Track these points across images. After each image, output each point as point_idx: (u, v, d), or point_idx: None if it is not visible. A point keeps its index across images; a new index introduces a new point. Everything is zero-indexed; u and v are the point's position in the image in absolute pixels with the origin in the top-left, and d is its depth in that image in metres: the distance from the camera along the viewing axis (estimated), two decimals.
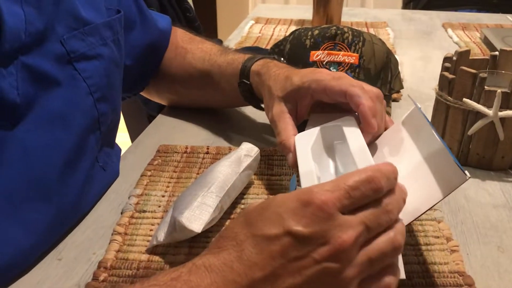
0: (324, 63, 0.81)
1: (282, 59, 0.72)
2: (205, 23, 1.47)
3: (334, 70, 0.80)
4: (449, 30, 1.27)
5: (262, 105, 0.68)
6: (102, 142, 0.58)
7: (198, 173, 0.63)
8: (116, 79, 0.61)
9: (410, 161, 0.47)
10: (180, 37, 0.81)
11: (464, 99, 0.64)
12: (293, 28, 1.30)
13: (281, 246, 0.33)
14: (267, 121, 0.63)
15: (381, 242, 0.35)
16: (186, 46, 0.79)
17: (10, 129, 0.45)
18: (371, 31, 1.26)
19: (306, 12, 1.39)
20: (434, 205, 0.41)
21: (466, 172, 0.38)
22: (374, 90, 0.54)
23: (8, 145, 0.45)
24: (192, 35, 0.82)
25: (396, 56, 1.04)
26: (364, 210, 0.35)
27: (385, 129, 0.56)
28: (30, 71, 0.47)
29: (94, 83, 0.54)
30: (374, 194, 0.35)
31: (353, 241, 0.33)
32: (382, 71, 0.82)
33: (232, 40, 1.21)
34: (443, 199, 0.40)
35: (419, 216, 0.40)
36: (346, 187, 0.34)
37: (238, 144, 0.60)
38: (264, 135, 0.75)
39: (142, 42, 0.73)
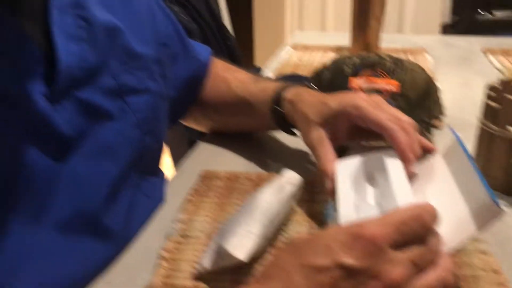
0: (364, 90, 0.81)
1: (314, 86, 0.73)
2: (243, 50, 1.50)
3: None
4: (490, 56, 1.25)
5: (294, 130, 0.69)
6: (146, 171, 0.60)
7: (240, 200, 0.64)
8: (162, 112, 0.63)
9: (447, 194, 0.47)
10: (217, 66, 0.83)
11: (510, 128, 0.63)
12: (331, 54, 1.31)
13: (331, 277, 0.33)
14: (304, 146, 0.64)
15: (431, 279, 0.35)
16: (222, 75, 0.81)
17: (62, 161, 0.47)
18: (410, 57, 1.26)
19: (344, 38, 1.40)
20: (467, 239, 0.41)
21: (501, 206, 0.39)
22: (410, 121, 0.55)
23: (60, 176, 0.47)
24: (228, 64, 0.84)
25: (436, 83, 1.03)
26: (411, 247, 0.35)
27: (424, 149, 0.56)
28: (83, 105, 0.49)
29: (142, 116, 0.56)
30: (422, 231, 0.35)
31: (403, 278, 0.33)
32: (423, 99, 0.82)
33: (271, 66, 1.23)
34: (477, 233, 0.40)
35: (456, 248, 0.41)
36: (397, 222, 0.34)
37: (277, 170, 0.61)
38: (302, 161, 0.76)
39: (184, 74, 0.75)
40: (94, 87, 0.50)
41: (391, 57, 0.83)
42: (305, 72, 1.16)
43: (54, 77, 0.46)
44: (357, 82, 0.82)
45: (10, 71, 0.43)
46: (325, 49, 1.36)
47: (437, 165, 0.53)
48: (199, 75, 0.78)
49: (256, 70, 1.05)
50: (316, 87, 0.82)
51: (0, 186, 0.42)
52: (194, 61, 0.77)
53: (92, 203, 0.50)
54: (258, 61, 2.33)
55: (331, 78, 0.85)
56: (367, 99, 0.57)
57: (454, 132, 0.53)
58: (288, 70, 1.19)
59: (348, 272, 0.33)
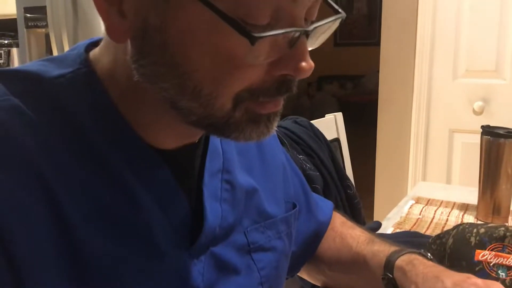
0: (491, 264, 0.77)
1: (429, 255, 0.71)
2: (364, 199, 1.51)
3: (503, 274, 0.75)
4: None
5: None
6: None
7: None
8: (283, 270, 0.65)
9: None
10: (336, 220, 0.84)
11: None
12: (455, 212, 1.26)
13: None
14: None
15: None
16: (340, 230, 0.81)
17: None
18: None
19: (470, 194, 1.35)
20: None
21: None
22: None
23: None
24: (344, 219, 0.85)
25: None
26: None
27: None
28: (216, 259, 0.53)
29: (265, 274, 0.58)
30: None
31: None
32: None
33: (391, 219, 1.21)
34: None
35: None
36: None
37: None
38: None
39: (306, 230, 0.77)
40: (227, 243, 0.54)
41: None
42: (426, 229, 1.13)
43: (198, 233, 0.51)
44: (484, 255, 0.78)
45: (164, 223, 0.48)
46: (450, 204, 1.32)
47: None
48: (319, 232, 0.80)
49: (376, 225, 1.05)
50: (432, 256, 0.79)
51: None
52: (316, 219, 0.79)
53: None
54: (378, 210, 2.31)
55: (454, 246, 0.82)
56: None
57: None
58: (409, 225, 1.16)
59: None
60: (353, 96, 6.64)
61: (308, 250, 0.80)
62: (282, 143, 1.19)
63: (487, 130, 1.20)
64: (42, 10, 2.29)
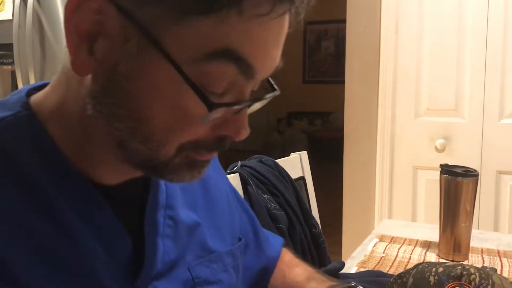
0: None
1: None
2: (330, 237, 1.52)
3: None
4: None
5: None
6: None
7: None
8: None
9: None
10: (283, 257, 0.85)
11: None
12: (418, 250, 1.28)
13: None
14: None
15: None
16: (282, 267, 0.82)
17: None
18: (504, 261, 1.19)
19: (432, 232, 1.38)
20: None
21: None
22: None
23: None
24: (292, 256, 0.86)
25: None
26: None
27: None
28: None
29: None
30: None
31: None
32: None
33: (356, 258, 1.22)
34: None
35: None
36: None
37: None
38: None
39: (255, 265, 0.78)
40: (171, 278, 0.55)
41: (478, 270, 0.80)
42: (390, 268, 1.14)
43: (140, 269, 0.52)
44: None
45: (107, 260, 0.49)
46: (413, 242, 1.34)
47: None
48: (269, 268, 0.81)
49: (340, 264, 1.05)
50: None
51: None
52: (265, 255, 0.80)
53: None
54: (346, 247, 2.32)
55: (414, 286, 0.83)
56: None
57: None
58: (373, 264, 1.17)
59: None
60: (322, 132, 6.75)
61: (258, 284, 0.80)
62: (247, 182, 1.19)
63: (445, 169, 1.23)
64: (8, 47, 2.28)
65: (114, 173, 0.51)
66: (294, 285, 0.78)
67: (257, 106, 0.51)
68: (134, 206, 0.55)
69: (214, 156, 0.72)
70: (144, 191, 0.56)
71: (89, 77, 0.45)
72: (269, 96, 0.51)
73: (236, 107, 0.46)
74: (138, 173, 0.54)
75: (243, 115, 0.47)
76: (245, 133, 0.48)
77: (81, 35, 0.43)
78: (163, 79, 0.42)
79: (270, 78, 0.52)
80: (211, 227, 0.64)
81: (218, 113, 0.45)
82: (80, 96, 0.46)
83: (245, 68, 0.44)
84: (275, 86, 0.53)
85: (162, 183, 0.58)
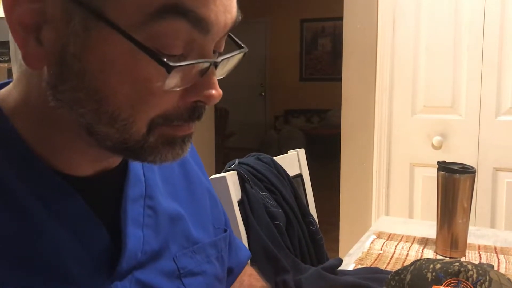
0: None
1: None
2: (327, 234, 1.52)
3: None
4: None
5: None
6: None
7: None
8: None
9: None
10: (247, 268, 0.82)
11: None
12: (415, 246, 1.28)
13: None
14: None
15: None
16: (241, 278, 0.80)
17: None
18: (501, 257, 1.20)
19: (430, 229, 1.38)
20: None
21: None
22: None
23: None
24: (254, 272, 0.82)
25: None
26: None
27: None
28: (143, 286, 0.53)
29: None
30: None
31: None
32: None
33: (353, 255, 1.23)
34: None
35: None
36: None
37: None
38: None
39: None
40: (154, 269, 0.55)
41: (475, 267, 0.81)
42: (387, 265, 1.15)
43: (119, 259, 0.51)
44: None
45: (80, 253, 0.48)
46: (410, 239, 1.34)
47: None
48: (235, 270, 0.78)
49: (338, 261, 1.06)
50: None
51: None
52: (237, 256, 0.78)
53: None
54: (344, 244, 2.32)
55: (412, 282, 0.83)
56: None
57: None
58: (370, 261, 1.17)
59: None
60: (319, 129, 6.75)
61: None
62: (245, 180, 1.19)
63: (442, 166, 1.23)
64: (5, 44, 2.27)
65: (86, 163, 0.50)
66: None
67: (226, 67, 0.49)
68: (110, 198, 0.54)
69: (195, 150, 0.72)
70: (120, 183, 0.55)
71: (45, 70, 0.44)
72: (235, 53, 0.49)
73: (198, 66, 0.44)
74: (113, 161, 0.53)
75: (210, 76, 0.46)
76: (216, 94, 0.46)
77: (25, 27, 0.43)
78: (115, 51, 0.42)
79: (232, 35, 0.50)
80: (193, 218, 0.63)
81: (178, 75, 0.43)
82: (41, 89, 0.45)
83: (197, 21, 0.42)
84: (241, 43, 0.51)
85: (141, 174, 0.57)
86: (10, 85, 0.51)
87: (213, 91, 0.46)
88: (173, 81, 0.43)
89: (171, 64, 0.41)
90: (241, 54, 0.50)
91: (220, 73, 0.49)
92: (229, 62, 0.49)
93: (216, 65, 0.46)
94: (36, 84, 0.46)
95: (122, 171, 0.55)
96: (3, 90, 0.51)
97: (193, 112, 0.47)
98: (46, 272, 0.46)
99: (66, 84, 0.43)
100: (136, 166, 0.57)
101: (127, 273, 0.52)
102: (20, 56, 0.45)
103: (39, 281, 0.45)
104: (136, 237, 0.53)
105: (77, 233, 0.48)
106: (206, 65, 0.45)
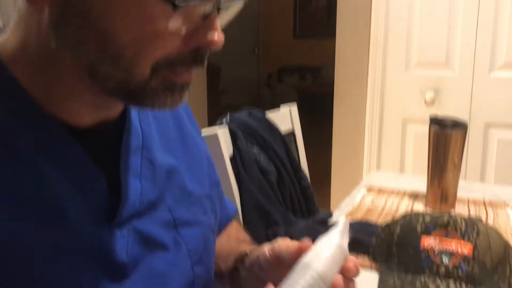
0: (435, 251, 0.79)
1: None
2: (319, 189, 1.53)
3: (446, 259, 0.78)
4: None
5: None
6: None
7: None
8: (211, 244, 0.66)
9: None
10: (233, 222, 0.83)
11: None
12: (406, 201, 1.30)
13: None
14: None
15: None
16: (230, 231, 0.80)
17: (117, 284, 0.51)
18: (489, 211, 1.21)
19: (421, 183, 1.39)
20: None
21: None
22: None
23: None
24: (238, 225, 0.84)
25: None
26: None
27: None
28: (140, 235, 0.54)
29: (193, 247, 0.60)
30: None
31: None
32: (499, 265, 0.78)
33: (343, 209, 1.24)
34: None
35: None
36: None
37: None
38: None
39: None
40: (151, 219, 0.56)
41: (464, 218, 0.82)
42: (377, 218, 1.16)
43: (117, 208, 0.52)
44: (429, 242, 0.80)
45: (81, 202, 0.49)
46: (400, 193, 1.36)
47: None
48: (222, 222, 0.78)
49: (327, 215, 1.07)
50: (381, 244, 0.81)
51: None
52: (225, 209, 0.79)
53: None
54: (335, 200, 2.35)
55: (401, 234, 0.85)
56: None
57: None
58: (360, 215, 1.19)
59: None
60: (313, 87, 6.71)
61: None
62: (236, 135, 1.19)
63: (435, 121, 1.23)
64: None
65: (86, 111, 0.50)
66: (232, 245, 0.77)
67: (223, 19, 0.50)
68: (109, 149, 0.54)
69: (189, 108, 0.71)
70: (119, 135, 0.55)
71: (46, 10, 0.44)
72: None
73: (202, 8, 0.45)
74: (112, 112, 0.53)
75: (213, 20, 0.46)
76: (219, 38, 0.47)
77: None
78: None
79: None
80: (188, 171, 0.64)
81: (182, 17, 0.44)
82: (41, 32, 0.45)
83: None
84: None
85: (139, 127, 0.57)
86: (7, 32, 0.50)
87: (216, 35, 0.47)
88: (177, 22, 0.44)
89: (177, 2, 0.42)
90: (241, 3, 0.51)
91: (223, 19, 0.49)
92: (227, 14, 0.50)
93: (219, 8, 0.46)
94: (35, 27, 0.46)
95: (120, 123, 0.55)
96: (0, 38, 0.50)
97: (196, 56, 0.47)
98: (46, 218, 0.46)
99: (70, 25, 0.43)
100: (134, 119, 0.57)
101: (126, 222, 0.53)
102: (19, 1, 0.45)
103: (39, 228, 0.45)
104: (135, 188, 0.54)
105: (76, 181, 0.49)
106: (209, 8, 0.45)
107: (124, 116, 0.56)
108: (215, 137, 1.10)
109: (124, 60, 0.44)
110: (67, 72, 0.46)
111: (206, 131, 1.10)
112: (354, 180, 2.24)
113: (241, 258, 0.68)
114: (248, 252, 0.68)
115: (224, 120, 1.24)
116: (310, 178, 1.41)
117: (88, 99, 0.49)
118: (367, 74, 2.25)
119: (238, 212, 0.86)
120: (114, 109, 0.54)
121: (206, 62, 0.49)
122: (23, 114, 0.47)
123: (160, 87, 0.47)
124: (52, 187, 0.47)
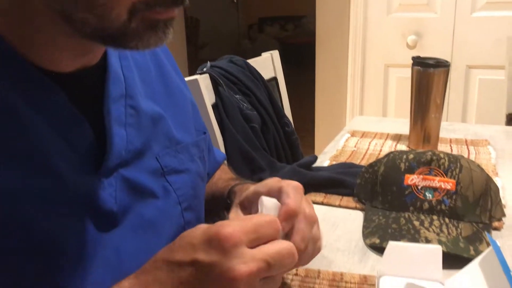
0: (419, 187, 0.80)
1: None
2: (303, 136, 1.53)
3: (430, 195, 0.79)
4: None
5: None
6: None
7: None
8: (200, 190, 0.67)
9: None
10: (222, 166, 0.84)
11: None
12: (389, 142, 1.31)
13: (189, 273, 0.40)
14: None
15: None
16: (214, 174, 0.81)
17: (106, 233, 0.51)
18: (471, 149, 1.23)
19: (403, 126, 1.40)
20: None
21: None
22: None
23: (103, 247, 0.50)
24: (226, 168, 0.84)
25: (498, 178, 1.00)
26: (266, 246, 0.42)
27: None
28: (128, 183, 0.53)
29: (182, 194, 0.60)
30: (274, 234, 0.43)
31: (252, 272, 0.39)
32: (481, 198, 0.79)
33: (328, 153, 1.24)
34: None
35: None
36: (253, 224, 0.42)
37: None
38: None
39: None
40: (139, 167, 0.55)
41: (447, 155, 0.82)
42: (361, 160, 1.17)
43: (104, 156, 0.51)
44: (413, 179, 0.81)
45: (66, 150, 0.48)
46: (383, 136, 1.36)
47: (472, 274, 0.54)
48: (211, 170, 0.79)
49: (313, 158, 1.07)
50: (365, 183, 0.82)
51: (53, 249, 0.46)
52: (214, 157, 0.80)
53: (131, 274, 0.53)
54: (319, 147, 2.36)
55: (385, 173, 0.85)
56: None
57: (491, 240, 0.53)
58: (344, 158, 1.19)
59: (202, 267, 0.39)
60: (294, 37, 6.62)
61: None
62: (218, 83, 1.17)
63: (417, 61, 1.22)
64: None
65: (67, 56, 0.48)
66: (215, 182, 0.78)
67: None
68: (91, 97, 0.52)
69: (170, 54, 0.69)
70: (101, 83, 0.53)
71: None
72: None
73: None
74: (93, 57, 0.52)
75: None
76: None
77: None
78: None
79: None
80: (174, 119, 0.63)
81: None
82: None
83: None
84: None
85: (121, 74, 0.56)
86: None
87: None
88: None
89: None
90: None
91: None
92: None
93: None
94: None
95: (102, 70, 0.54)
96: None
97: None
98: (32, 167, 0.45)
99: None
100: (115, 65, 0.55)
101: (113, 171, 0.52)
102: None
103: (26, 177, 0.44)
104: (120, 135, 0.53)
105: (61, 129, 0.48)
106: None
107: (105, 65, 0.54)
108: (195, 83, 1.08)
109: (97, 6, 0.42)
110: (41, 18, 0.44)
111: (187, 79, 1.08)
112: (338, 126, 2.25)
113: (228, 194, 0.68)
114: (234, 185, 0.68)
115: (204, 68, 1.22)
116: (294, 127, 1.41)
117: (68, 45, 0.47)
118: (348, 21, 2.22)
119: (226, 159, 0.86)
120: (95, 55, 0.52)
121: (187, 1, 0.46)
122: (3, 61, 0.45)
123: (141, 27, 0.44)
124: (38, 135, 0.46)
